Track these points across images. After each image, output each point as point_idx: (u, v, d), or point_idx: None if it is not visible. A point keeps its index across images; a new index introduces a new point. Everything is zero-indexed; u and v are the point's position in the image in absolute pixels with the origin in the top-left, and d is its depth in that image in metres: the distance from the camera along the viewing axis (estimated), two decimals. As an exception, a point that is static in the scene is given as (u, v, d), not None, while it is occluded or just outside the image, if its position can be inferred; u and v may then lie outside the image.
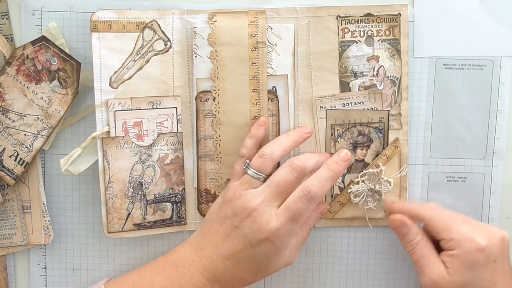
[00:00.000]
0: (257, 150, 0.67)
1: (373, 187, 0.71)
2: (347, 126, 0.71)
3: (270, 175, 0.66)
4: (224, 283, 0.66)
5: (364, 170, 0.71)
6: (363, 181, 0.71)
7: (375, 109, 0.71)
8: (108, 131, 0.70)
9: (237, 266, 0.65)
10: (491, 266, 0.63)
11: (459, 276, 0.63)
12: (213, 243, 0.66)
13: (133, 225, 0.71)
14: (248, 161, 0.67)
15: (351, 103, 0.71)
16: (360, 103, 0.71)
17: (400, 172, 0.71)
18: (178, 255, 0.68)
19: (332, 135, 0.71)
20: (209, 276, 0.65)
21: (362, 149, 0.71)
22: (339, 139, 0.71)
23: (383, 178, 0.71)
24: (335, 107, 0.71)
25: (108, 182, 0.70)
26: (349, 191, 0.72)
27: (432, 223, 0.66)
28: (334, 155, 0.67)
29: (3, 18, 0.70)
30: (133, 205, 0.71)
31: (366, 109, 0.71)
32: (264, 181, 0.66)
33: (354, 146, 0.71)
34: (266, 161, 0.66)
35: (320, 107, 0.71)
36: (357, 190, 0.71)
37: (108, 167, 0.70)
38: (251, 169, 0.66)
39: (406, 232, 0.67)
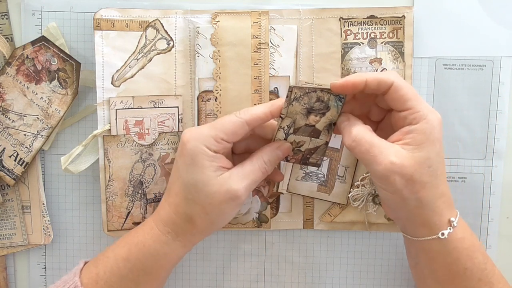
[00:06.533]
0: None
1: (373, 191, 0.71)
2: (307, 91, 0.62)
3: None
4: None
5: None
6: (363, 185, 0.71)
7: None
8: (110, 129, 0.70)
9: None
10: (440, 142, 0.60)
11: (422, 152, 0.58)
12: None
13: (132, 223, 0.71)
14: None
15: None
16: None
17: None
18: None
19: (287, 97, 0.62)
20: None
21: (316, 116, 0.63)
22: (294, 102, 0.62)
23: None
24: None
25: (109, 180, 0.70)
26: (348, 194, 0.71)
27: (399, 89, 0.59)
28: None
29: (3, 18, 0.70)
30: (133, 204, 0.71)
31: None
32: None
33: (309, 112, 0.63)
34: None
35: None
36: (357, 194, 0.71)
37: (109, 165, 0.70)
38: None
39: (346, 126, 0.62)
